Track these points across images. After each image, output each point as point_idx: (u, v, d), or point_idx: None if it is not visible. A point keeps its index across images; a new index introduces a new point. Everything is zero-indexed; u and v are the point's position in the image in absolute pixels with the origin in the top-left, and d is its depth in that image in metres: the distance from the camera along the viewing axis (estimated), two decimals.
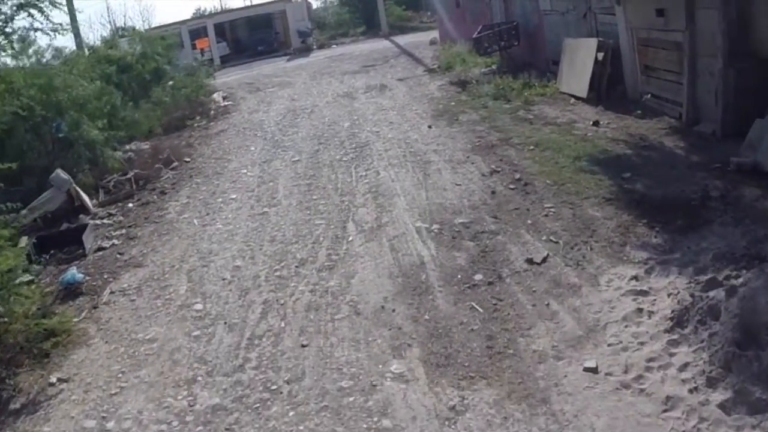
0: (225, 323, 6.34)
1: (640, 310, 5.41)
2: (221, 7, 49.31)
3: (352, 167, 10.51)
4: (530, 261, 6.47)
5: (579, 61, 12.64)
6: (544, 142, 9.92)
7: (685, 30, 9.55)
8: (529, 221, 7.37)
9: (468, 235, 7.28)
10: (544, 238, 6.92)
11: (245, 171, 11.55)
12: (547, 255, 6.52)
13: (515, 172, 8.87)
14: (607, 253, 6.40)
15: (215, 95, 20.99)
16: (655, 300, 5.49)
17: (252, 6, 43.39)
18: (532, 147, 9.85)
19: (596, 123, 10.58)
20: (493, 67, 17.50)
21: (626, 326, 5.30)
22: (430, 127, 12.15)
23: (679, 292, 5.36)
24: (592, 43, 12.32)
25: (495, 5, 19.40)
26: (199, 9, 47.26)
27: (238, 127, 15.81)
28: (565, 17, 14.30)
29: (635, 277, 5.88)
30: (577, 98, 12.48)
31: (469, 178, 9.00)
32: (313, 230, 8.17)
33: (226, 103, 20.11)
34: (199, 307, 6.76)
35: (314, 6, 50.31)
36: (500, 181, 8.69)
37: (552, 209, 7.54)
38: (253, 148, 13.24)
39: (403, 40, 29.65)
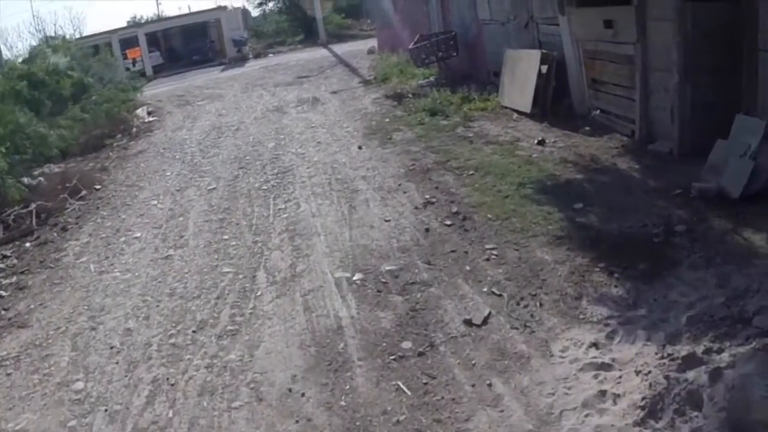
0: (106, 410, 4.98)
1: (603, 392, 4.30)
2: (158, 14, 47.38)
3: (271, 198, 9.23)
4: (469, 322, 5.31)
5: (521, 74, 11.71)
6: (485, 166, 8.87)
7: (636, 42, 8.69)
8: (468, 267, 6.24)
9: (396, 287, 6.09)
10: (485, 289, 5.79)
11: (156, 202, 10.11)
12: (489, 314, 5.38)
13: (453, 204, 7.77)
14: (560, 310, 5.31)
15: (140, 110, 19.39)
16: (620, 378, 4.41)
17: (186, 14, 41.59)
18: (471, 171, 8.79)
19: (542, 142, 9.62)
20: (431, 78, 16.51)
21: (587, 415, 4.18)
22: (360, 147, 10.98)
23: (650, 371, 4.28)
24: (535, 55, 11.41)
25: (433, 14, 18.48)
26: (134, 17, 45.20)
27: (158, 147, 14.33)
28: (505, 27, 13.41)
29: (595, 344, 4.79)
30: (520, 113, 11.54)
31: (400, 211, 7.86)
32: (219, 281, 6.85)
33: (150, 119, 18.56)
34: (79, 386, 5.36)
35: (254, 14, 48.85)
36: (435, 215, 7.57)
37: (494, 251, 6.44)
38: (169, 173, 11.80)
39: (341, 48, 28.56)
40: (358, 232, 7.46)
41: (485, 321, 5.31)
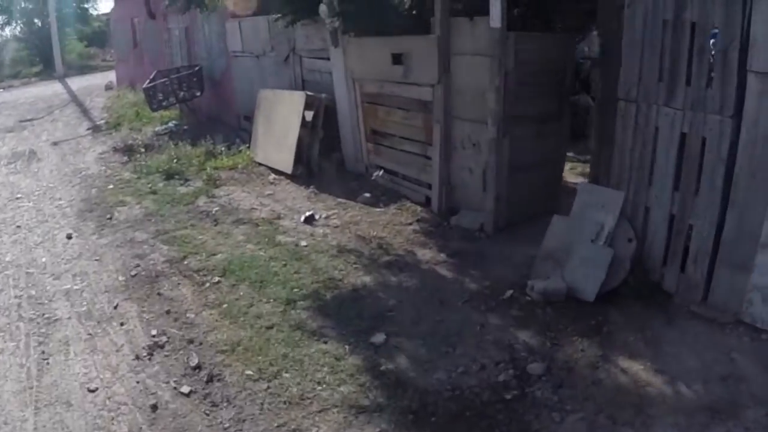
0: None
1: None
2: None
3: None
4: None
5: (280, 122, 8.95)
6: (236, 265, 5.80)
7: (436, 84, 6.45)
8: None
9: None
10: None
11: None
12: None
13: (192, 346, 4.53)
14: None
15: None
16: None
17: None
18: (218, 278, 5.65)
19: (310, 218, 6.87)
20: (172, 124, 13.09)
21: None
22: (69, 237, 7.07)
23: None
24: (298, 98, 8.72)
25: (175, 44, 15.12)
26: None
27: None
28: (260, 61, 10.64)
29: None
30: (280, 173, 8.72)
31: (114, 366, 4.37)
32: None
33: None
34: None
35: None
36: (167, 372, 4.25)
37: None
38: None
39: (78, 83, 23.32)
40: (48, 415, 3.88)
41: None
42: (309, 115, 8.54)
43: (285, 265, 5.72)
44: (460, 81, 6.27)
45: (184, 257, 6.17)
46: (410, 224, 6.62)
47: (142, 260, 6.21)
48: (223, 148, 10.10)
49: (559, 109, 6.59)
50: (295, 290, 5.23)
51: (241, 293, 5.29)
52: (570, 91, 6.68)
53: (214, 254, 6.15)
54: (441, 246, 6.05)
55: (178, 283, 5.64)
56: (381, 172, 7.62)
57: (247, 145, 10.01)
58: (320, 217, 6.98)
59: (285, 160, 8.63)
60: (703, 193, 4.56)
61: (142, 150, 10.94)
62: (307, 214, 6.95)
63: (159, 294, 5.47)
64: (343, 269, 5.61)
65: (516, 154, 6.12)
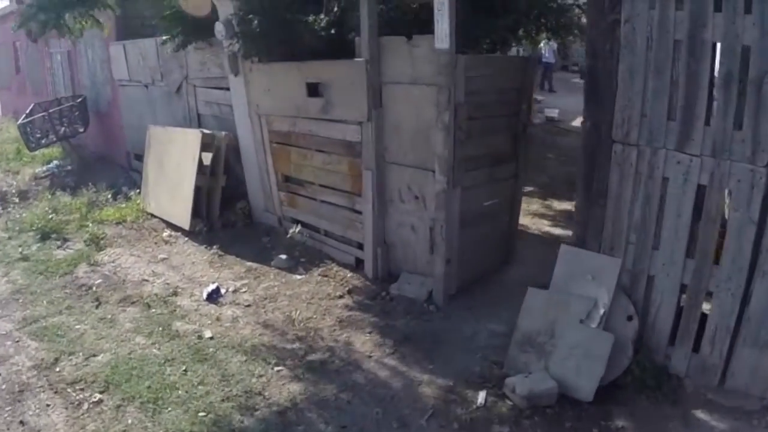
0: None
1: None
2: None
3: None
4: None
5: (174, 166, 7.38)
6: (122, 374, 4.23)
7: (365, 121, 5.19)
8: None
9: None
10: None
11: None
12: None
13: None
14: None
15: None
16: None
17: None
18: (98, 394, 4.05)
19: (215, 294, 5.38)
20: (54, 165, 11.14)
21: None
22: None
23: None
24: (193, 137, 7.14)
25: (57, 71, 13.16)
26: None
27: None
28: (149, 92, 9.03)
29: None
30: (177, 228, 7.18)
31: None
32: None
33: None
34: None
35: None
36: None
37: None
38: None
39: None
40: None
41: None
42: (207, 158, 7.05)
43: (185, 372, 4.23)
44: (395, 117, 5.04)
45: (57, 359, 4.53)
46: (341, 297, 5.29)
47: (2, 366, 4.54)
48: (108, 196, 8.42)
49: (514, 146, 5.50)
50: (201, 414, 3.76)
51: (129, 421, 3.76)
52: (526, 124, 5.58)
53: (95, 354, 4.57)
54: (383, 329, 4.74)
55: (48, 404, 4.03)
56: (298, 228, 6.22)
57: (138, 190, 8.37)
58: (227, 290, 5.52)
59: (181, 214, 7.08)
60: (726, 259, 3.53)
61: (16, 200, 9.04)
62: (211, 288, 5.47)
63: (22, 423, 3.85)
64: (262, 375, 4.18)
65: (467, 205, 4.96)
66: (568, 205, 7.57)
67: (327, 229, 6.11)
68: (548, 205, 8.02)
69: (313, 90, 5.57)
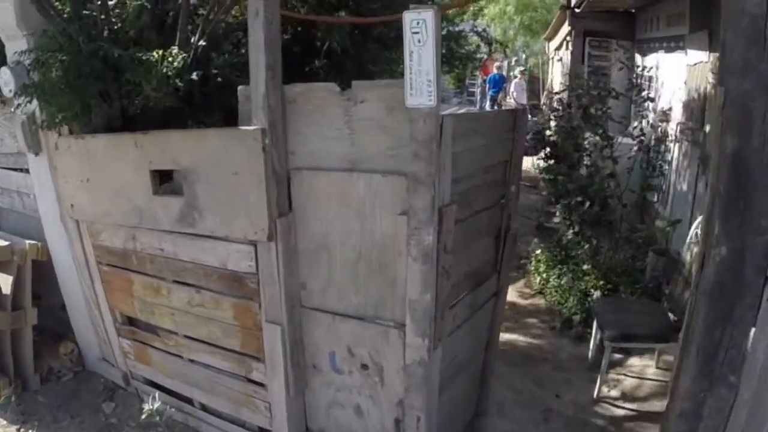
0: None
1: None
2: None
3: None
4: None
5: None
6: None
7: (264, 239, 2.78)
8: None
9: None
10: None
11: None
12: None
13: None
14: None
15: None
16: None
17: None
18: None
19: None
20: None
21: None
22: None
23: None
24: None
25: None
26: None
27: None
28: None
29: None
30: None
31: None
32: None
33: None
34: None
35: None
36: None
37: None
38: None
39: None
40: None
41: None
42: (6, 284, 4.39)
43: None
44: (319, 230, 2.76)
45: None
46: None
47: None
48: None
49: (496, 250, 3.43)
50: None
51: None
52: (512, 215, 3.51)
53: None
54: None
55: None
56: (157, 403, 3.71)
57: None
58: None
59: None
60: None
61: None
62: None
63: None
64: None
65: (447, 362, 2.85)
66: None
67: (204, 402, 3.67)
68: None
69: (166, 182, 3.20)
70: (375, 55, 4.46)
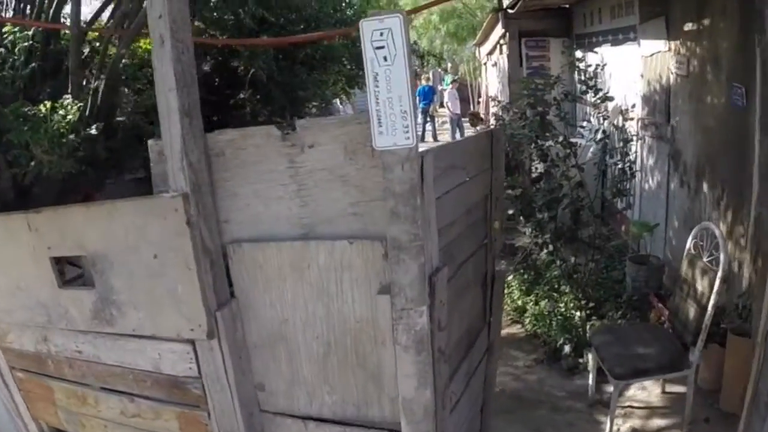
0: None
1: None
2: None
3: None
4: None
5: None
6: None
7: (203, 337, 2.16)
8: None
9: None
10: None
11: None
12: None
13: None
14: None
15: None
16: None
17: None
18: None
19: None
20: None
21: None
22: None
23: None
24: None
25: None
26: None
27: None
28: None
29: None
30: None
31: None
32: None
33: None
34: None
35: None
36: None
37: None
38: None
39: None
40: None
41: None
42: None
43: None
44: (272, 315, 2.15)
45: None
46: None
47: None
48: None
49: (484, 300, 2.92)
50: None
51: None
52: (497, 256, 3.01)
53: None
54: None
55: None
56: None
57: None
58: None
59: None
60: None
61: None
62: None
63: None
64: None
65: None
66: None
67: None
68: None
69: (71, 271, 2.54)
70: (303, 80, 4.01)
